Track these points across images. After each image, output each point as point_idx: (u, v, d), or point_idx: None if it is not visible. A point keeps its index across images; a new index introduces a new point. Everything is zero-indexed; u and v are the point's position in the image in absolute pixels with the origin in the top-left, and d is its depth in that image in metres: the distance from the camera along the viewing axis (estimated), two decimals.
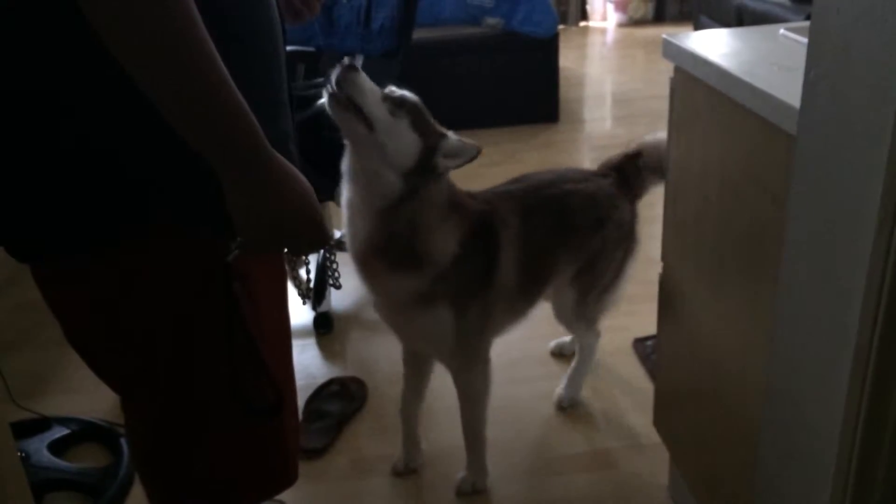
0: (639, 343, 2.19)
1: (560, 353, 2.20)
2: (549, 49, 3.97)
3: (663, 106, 1.43)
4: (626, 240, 1.84)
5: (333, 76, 1.39)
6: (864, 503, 0.82)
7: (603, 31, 6.23)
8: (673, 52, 1.32)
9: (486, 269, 1.58)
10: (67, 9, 0.73)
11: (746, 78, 1.08)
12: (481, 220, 1.58)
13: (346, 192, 1.50)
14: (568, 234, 1.74)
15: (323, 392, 2.01)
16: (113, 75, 0.76)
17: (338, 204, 2.34)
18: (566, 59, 4.61)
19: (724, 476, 1.34)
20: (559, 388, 2.00)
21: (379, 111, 1.41)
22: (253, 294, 0.99)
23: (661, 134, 1.55)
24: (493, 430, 1.91)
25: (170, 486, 1.14)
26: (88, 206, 0.88)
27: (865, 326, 0.75)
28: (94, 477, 1.76)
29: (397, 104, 1.43)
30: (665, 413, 1.62)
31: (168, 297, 0.95)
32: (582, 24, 6.35)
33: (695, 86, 1.26)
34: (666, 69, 1.34)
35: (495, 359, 2.06)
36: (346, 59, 1.40)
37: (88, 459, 1.85)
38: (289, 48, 1.15)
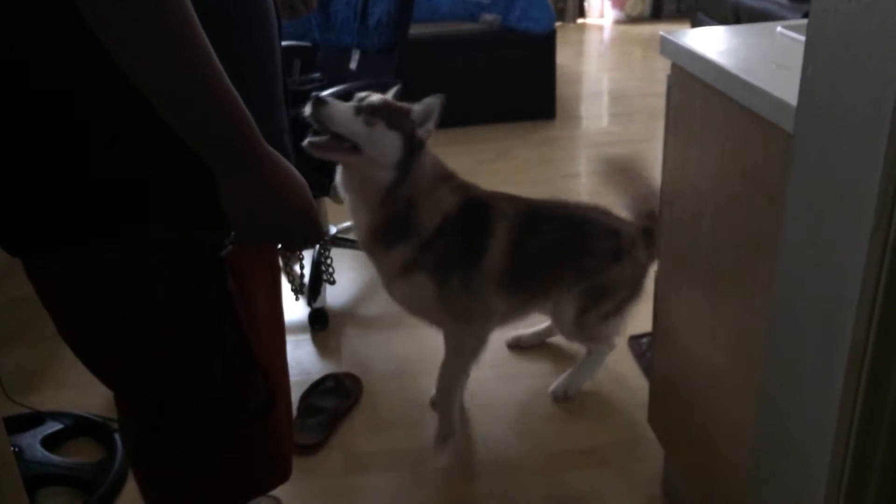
0: (634, 340, 2.19)
1: (517, 346, 2.18)
2: (546, 46, 3.97)
3: (660, 103, 1.43)
4: (636, 281, 1.87)
5: (308, 114, 1.49)
6: (859, 501, 0.82)
7: (600, 29, 6.23)
8: (670, 49, 1.32)
9: (471, 248, 1.67)
10: (66, 7, 0.73)
11: (743, 75, 1.07)
12: (476, 203, 1.68)
13: (346, 197, 1.63)
14: (580, 253, 1.81)
15: (318, 388, 2.01)
16: (112, 74, 0.75)
17: (332, 199, 2.34)
18: (563, 56, 4.60)
19: (718, 473, 1.35)
20: (556, 382, 2.00)
21: (358, 128, 1.51)
22: (247, 291, 0.99)
23: None
24: (487, 426, 1.91)
25: (163, 481, 1.14)
26: (87, 202, 0.88)
27: (861, 325, 0.75)
28: (88, 472, 1.75)
29: (369, 112, 1.52)
30: (660, 410, 1.62)
31: (163, 294, 0.95)
32: (579, 21, 6.35)
33: (692, 83, 1.26)
34: (663, 66, 1.34)
35: (490, 355, 2.07)
36: (313, 94, 1.49)
37: (82, 454, 1.84)
38: (285, 43, 1.15)
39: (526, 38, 3.90)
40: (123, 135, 0.85)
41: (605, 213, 1.89)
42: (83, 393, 1.95)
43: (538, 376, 2.08)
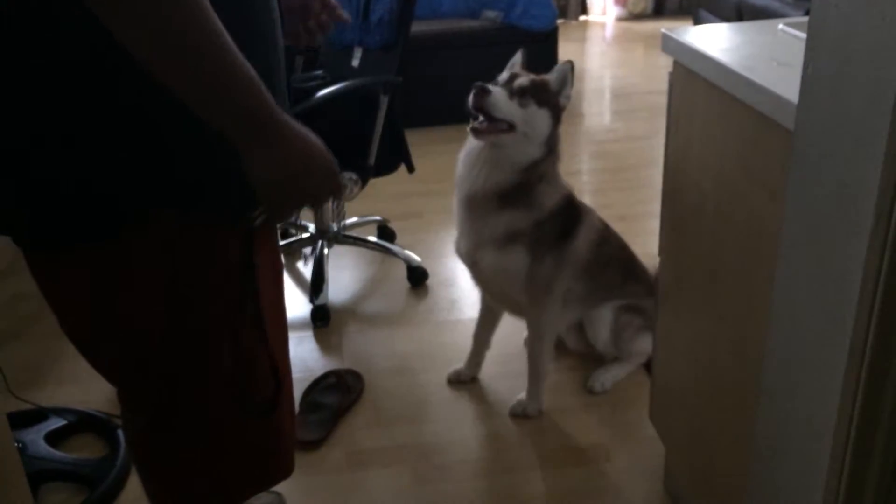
0: None
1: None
2: (548, 43, 3.97)
3: (662, 100, 1.43)
4: None
5: (470, 103, 1.62)
6: (858, 497, 0.82)
7: (602, 26, 6.22)
8: (672, 46, 1.32)
9: (566, 233, 1.80)
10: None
11: (745, 73, 1.08)
12: (571, 194, 1.84)
13: (474, 151, 1.71)
14: (630, 277, 1.99)
15: (320, 384, 2.01)
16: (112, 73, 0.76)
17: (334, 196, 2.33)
18: (565, 54, 4.59)
19: (718, 470, 1.35)
20: (594, 375, 2.02)
21: (513, 111, 1.64)
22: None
23: None
24: (489, 424, 1.92)
25: (165, 477, 1.14)
26: (89, 200, 0.88)
27: (861, 322, 0.76)
28: (91, 468, 1.76)
29: (521, 94, 1.66)
30: (661, 407, 1.63)
31: (163, 291, 0.95)
32: (581, 18, 6.34)
33: (693, 80, 1.26)
34: (665, 64, 1.34)
35: (492, 353, 2.08)
36: (476, 84, 1.62)
37: (85, 450, 1.85)
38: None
39: (528, 35, 3.90)
40: (124, 135, 0.85)
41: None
42: (86, 389, 1.95)
43: None
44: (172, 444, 1.09)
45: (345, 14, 1.20)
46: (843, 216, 0.77)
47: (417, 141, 2.63)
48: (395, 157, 2.43)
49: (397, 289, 2.55)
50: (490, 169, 1.69)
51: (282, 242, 2.67)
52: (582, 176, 3.42)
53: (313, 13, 1.16)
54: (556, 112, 1.70)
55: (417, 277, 2.56)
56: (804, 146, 0.84)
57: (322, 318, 2.34)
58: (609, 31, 6.09)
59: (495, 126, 1.64)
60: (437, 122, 3.57)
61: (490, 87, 1.64)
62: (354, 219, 2.77)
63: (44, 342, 2.22)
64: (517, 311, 1.95)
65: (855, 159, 0.74)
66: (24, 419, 1.86)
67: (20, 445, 1.76)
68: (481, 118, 1.64)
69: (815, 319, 0.84)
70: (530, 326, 1.90)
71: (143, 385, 1.04)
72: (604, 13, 6.36)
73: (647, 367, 2.03)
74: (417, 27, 2.67)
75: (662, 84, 1.42)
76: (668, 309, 1.52)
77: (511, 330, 2.14)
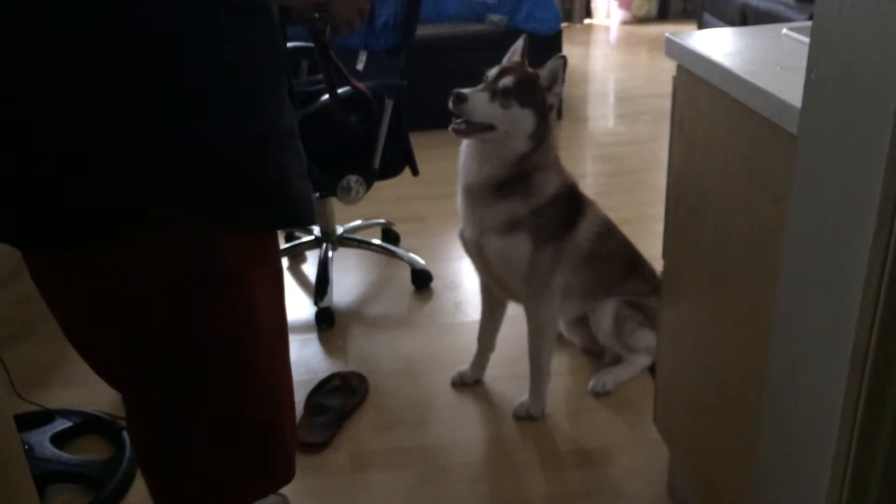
0: None
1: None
2: (552, 46, 3.96)
3: (666, 104, 1.43)
4: None
5: (450, 108, 1.68)
6: (861, 499, 0.82)
7: (606, 29, 6.22)
8: (676, 50, 1.33)
9: (567, 223, 1.83)
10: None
11: (748, 77, 1.08)
12: (573, 185, 1.87)
13: (471, 144, 1.76)
14: (633, 273, 2.00)
15: (324, 387, 2.02)
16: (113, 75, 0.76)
17: (339, 199, 2.34)
18: (569, 57, 4.57)
19: (722, 473, 1.35)
20: (596, 376, 2.03)
21: (494, 113, 1.68)
22: (248, 297, 0.99)
23: None
24: (493, 426, 1.92)
25: (170, 479, 1.15)
26: (88, 202, 0.88)
27: (864, 324, 0.76)
28: (97, 469, 1.77)
29: (504, 95, 1.69)
30: (665, 409, 1.63)
31: (162, 293, 0.95)
32: (586, 21, 6.34)
33: (697, 84, 1.26)
34: (669, 67, 1.35)
35: (495, 355, 2.08)
36: (454, 91, 1.67)
37: (91, 452, 1.86)
38: (292, 44, 1.15)
39: (532, 38, 3.89)
40: (124, 135, 0.85)
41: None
42: (92, 391, 1.96)
43: None
44: (176, 447, 1.09)
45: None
46: (846, 220, 0.77)
47: (422, 144, 2.63)
48: (399, 160, 2.44)
49: (401, 291, 2.56)
50: (482, 162, 1.75)
51: (286, 245, 2.68)
52: (586, 179, 3.42)
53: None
54: (543, 109, 1.73)
55: (421, 280, 2.56)
56: (807, 150, 0.84)
57: (326, 320, 2.35)
58: (613, 34, 6.09)
59: (474, 127, 1.69)
60: (442, 125, 3.53)
61: (468, 92, 1.69)
62: (359, 222, 2.78)
63: (50, 344, 2.23)
64: (517, 297, 1.96)
65: (858, 163, 0.74)
66: (31, 421, 1.87)
67: (27, 447, 1.76)
68: (460, 119, 1.69)
69: (818, 322, 0.84)
70: (530, 321, 1.91)
71: (143, 386, 1.04)
72: (608, 17, 6.36)
73: (652, 370, 2.03)
74: (422, 30, 2.67)
75: (666, 88, 1.42)
76: (671, 312, 1.52)
77: (515, 333, 2.14)
